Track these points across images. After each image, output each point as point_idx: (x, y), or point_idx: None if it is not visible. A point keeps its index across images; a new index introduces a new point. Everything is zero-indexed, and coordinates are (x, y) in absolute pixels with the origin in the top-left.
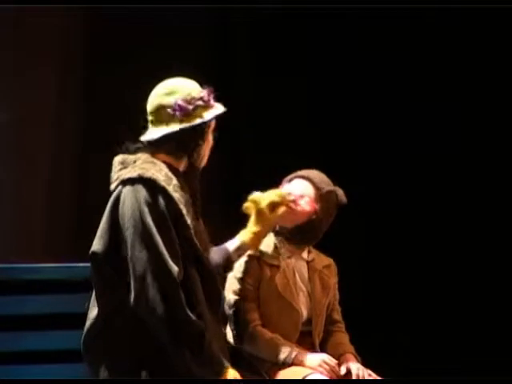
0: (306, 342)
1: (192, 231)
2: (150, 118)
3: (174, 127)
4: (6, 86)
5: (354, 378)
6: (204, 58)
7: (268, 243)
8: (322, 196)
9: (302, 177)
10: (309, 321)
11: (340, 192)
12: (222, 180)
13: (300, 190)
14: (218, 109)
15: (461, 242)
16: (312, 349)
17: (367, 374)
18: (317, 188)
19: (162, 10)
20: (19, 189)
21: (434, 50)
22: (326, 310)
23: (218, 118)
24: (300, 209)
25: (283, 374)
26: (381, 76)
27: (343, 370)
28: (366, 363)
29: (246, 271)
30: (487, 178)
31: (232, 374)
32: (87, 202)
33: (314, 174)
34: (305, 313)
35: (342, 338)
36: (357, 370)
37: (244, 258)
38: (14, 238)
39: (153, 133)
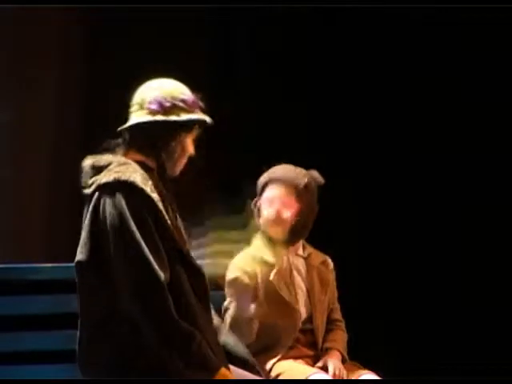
0: (308, 340)
1: (173, 230)
2: (130, 108)
3: (146, 118)
4: (5, 86)
5: (329, 376)
6: (204, 57)
7: (258, 243)
8: (301, 193)
9: (276, 180)
10: (309, 319)
11: (315, 174)
12: (220, 181)
13: (279, 198)
14: (198, 118)
15: (460, 239)
16: (313, 348)
17: (344, 374)
18: (294, 187)
19: (162, 9)
20: (19, 189)
21: (434, 55)
22: (328, 308)
23: (207, 130)
24: (284, 218)
25: (286, 374)
26: (380, 77)
27: (320, 364)
28: (365, 362)
29: (239, 272)
30: (485, 178)
31: (223, 375)
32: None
33: (286, 172)
34: (304, 311)
35: (336, 335)
36: (333, 368)
37: (238, 259)
38: (14, 238)
39: (128, 122)
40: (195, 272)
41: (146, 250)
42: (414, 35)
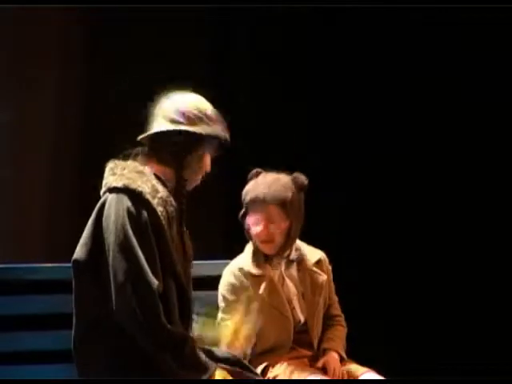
0: (305, 341)
1: (172, 246)
2: (151, 118)
3: (170, 127)
4: (5, 86)
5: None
6: (204, 57)
7: (249, 253)
8: (287, 208)
9: (261, 200)
10: (305, 321)
11: (300, 180)
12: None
13: (266, 218)
14: (221, 134)
15: (460, 239)
16: (310, 349)
17: (343, 375)
18: (280, 204)
19: (162, 9)
20: (19, 189)
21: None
22: (324, 307)
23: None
24: (273, 236)
25: (282, 377)
26: (380, 77)
27: (319, 365)
28: (365, 362)
29: (229, 288)
30: (485, 178)
31: (221, 375)
32: (87, 202)
33: (270, 188)
34: (301, 315)
35: (335, 332)
36: (331, 371)
37: (228, 273)
38: (14, 238)
39: (150, 130)
40: (182, 293)
41: (142, 257)
42: (414, 35)
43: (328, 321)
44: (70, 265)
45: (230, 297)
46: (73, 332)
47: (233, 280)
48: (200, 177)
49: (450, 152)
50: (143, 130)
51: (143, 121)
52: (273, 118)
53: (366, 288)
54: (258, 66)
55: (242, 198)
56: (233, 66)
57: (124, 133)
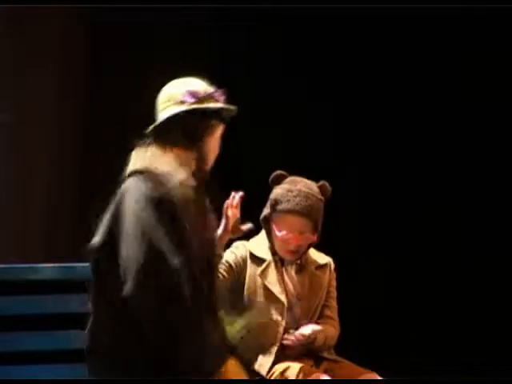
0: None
1: (189, 229)
2: (159, 108)
3: (182, 108)
4: (6, 87)
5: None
6: (205, 59)
7: (260, 239)
8: (318, 223)
9: (297, 212)
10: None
11: (328, 190)
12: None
13: (298, 229)
14: (230, 107)
15: (460, 240)
16: (309, 358)
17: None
18: (314, 219)
19: (163, 10)
20: (19, 189)
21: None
22: (317, 309)
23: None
24: (300, 248)
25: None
26: (382, 77)
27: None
28: (365, 362)
29: (229, 258)
30: (486, 177)
31: (232, 362)
32: (87, 201)
33: (306, 200)
34: (293, 310)
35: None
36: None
37: (234, 247)
38: (14, 238)
39: (160, 117)
40: (205, 275)
41: (161, 236)
42: (414, 35)
43: (320, 319)
44: (70, 265)
45: (225, 265)
46: (89, 326)
47: (235, 253)
48: (214, 158)
49: (450, 155)
50: (145, 129)
51: (146, 119)
52: (273, 119)
53: (366, 288)
54: (257, 66)
55: (272, 201)
56: (232, 66)
57: (124, 133)
